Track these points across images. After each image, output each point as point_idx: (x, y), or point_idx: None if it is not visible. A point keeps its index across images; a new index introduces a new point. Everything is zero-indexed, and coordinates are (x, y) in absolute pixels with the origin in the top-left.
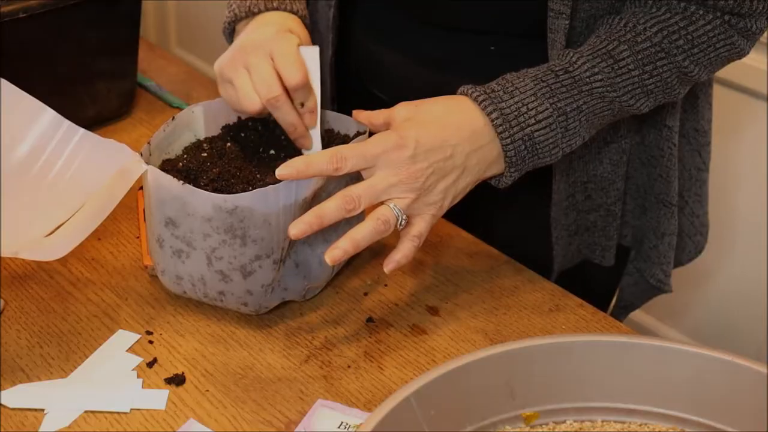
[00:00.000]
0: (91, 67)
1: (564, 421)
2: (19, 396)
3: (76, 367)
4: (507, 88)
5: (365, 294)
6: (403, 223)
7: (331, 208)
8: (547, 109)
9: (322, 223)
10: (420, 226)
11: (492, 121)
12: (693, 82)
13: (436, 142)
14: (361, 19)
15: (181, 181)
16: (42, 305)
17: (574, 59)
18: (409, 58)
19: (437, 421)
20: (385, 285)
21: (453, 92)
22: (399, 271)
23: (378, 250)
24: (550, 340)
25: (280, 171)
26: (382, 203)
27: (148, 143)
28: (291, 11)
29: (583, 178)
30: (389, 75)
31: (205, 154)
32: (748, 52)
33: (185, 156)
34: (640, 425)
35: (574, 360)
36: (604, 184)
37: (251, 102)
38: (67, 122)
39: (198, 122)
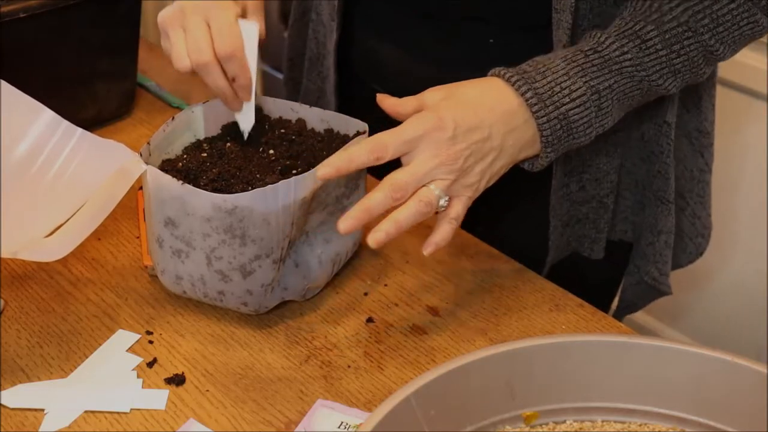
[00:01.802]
0: (91, 67)
1: (564, 421)
2: (19, 396)
3: (76, 367)
4: (539, 68)
5: (365, 294)
6: (444, 204)
7: (378, 199)
8: (580, 87)
9: (372, 215)
10: (457, 207)
11: (527, 100)
12: (717, 61)
13: (474, 122)
14: (362, 12)
15: (181, 181)
16: (42, 305)
17: (602, 39)
18: (408, 51)
19: (437, 421)
20: (385, 285)
21: None
22: (399, 270)
23: (377, 250)
24: (550, 340)
25: (321, 171)
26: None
27: (148, 143)
28: None
29: (579, 168)
30: (389, 69)
31: (205, 154)
32: None
33: (185, 156)
34: (640, 425)
35: (574, 360)
36: (599, 175)
37: (182, 63)
38: (65, 122)
39: (198, 122)
